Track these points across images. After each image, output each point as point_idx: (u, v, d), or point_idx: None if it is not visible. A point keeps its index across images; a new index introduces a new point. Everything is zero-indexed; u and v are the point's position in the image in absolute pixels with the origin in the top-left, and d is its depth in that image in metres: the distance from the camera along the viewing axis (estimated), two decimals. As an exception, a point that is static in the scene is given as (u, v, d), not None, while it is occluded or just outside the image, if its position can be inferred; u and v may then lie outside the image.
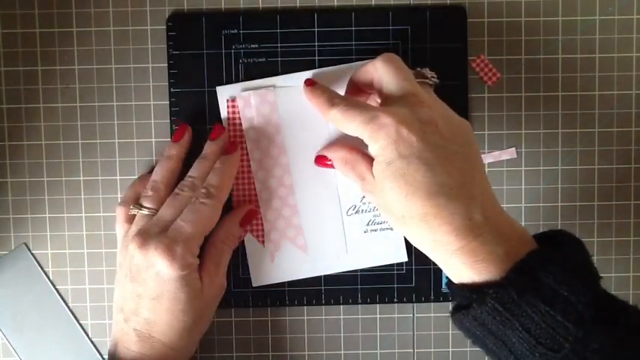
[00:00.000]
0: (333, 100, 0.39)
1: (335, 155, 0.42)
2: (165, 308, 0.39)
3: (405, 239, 0.46)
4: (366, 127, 0.36)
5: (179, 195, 0.42)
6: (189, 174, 0.43)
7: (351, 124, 0.37)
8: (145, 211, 0.42)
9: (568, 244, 0.34)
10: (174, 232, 0.40)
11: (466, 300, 0.34)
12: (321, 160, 0.44)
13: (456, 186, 0.34)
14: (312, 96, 0.40)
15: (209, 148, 0.44)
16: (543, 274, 0.32)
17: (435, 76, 0.41)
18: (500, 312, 0.32)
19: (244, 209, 0.45)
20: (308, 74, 0.45)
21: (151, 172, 0.45)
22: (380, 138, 0.35)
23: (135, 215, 0.43)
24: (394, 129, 0.35)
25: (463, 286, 0.35)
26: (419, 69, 0.41)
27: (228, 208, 0.45)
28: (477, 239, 0.33)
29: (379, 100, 0.39)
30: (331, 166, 0.43)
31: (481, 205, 0.34)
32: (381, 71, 0.38)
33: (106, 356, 0.47)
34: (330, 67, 0.45)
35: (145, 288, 0.39)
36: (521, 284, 0.32)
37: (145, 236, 0.40)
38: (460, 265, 0.34)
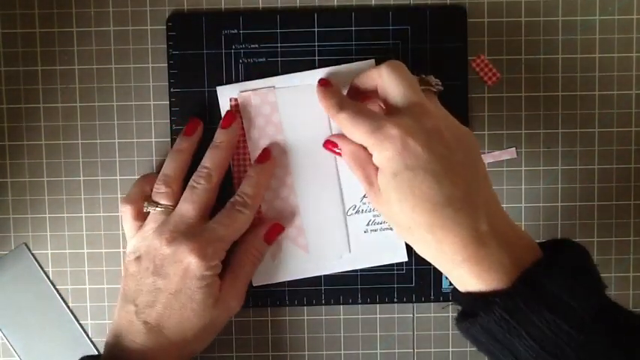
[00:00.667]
0: (342, 104, 0.39)
1: (347, 148, 0.41)
2: (180, 305, 0.40)
3: (405, 239, 0.46)
4: (371, 136, 0.36)
5: (197, 188, 0.42)
6: (202, 164, 0.43)
7: (358, 131, 0.37)
8: (161, 209, 0.42)
9: (573, 253, 0.35)
10: (208, 233, 0.41)
11: (472, 308, 0.34)
12: (329, 144, 0.43)
13: (462, 196, 0.34)
14: (323, 97, 0.40)
15: (221, 137, 0.44)
16: (549, 283, 0.32)
17: (440, 83, 0.41)
18: (507, 321, 0.32)
19: (269, 224, 0.45)
20: (308, 74, 0.45)
21: (153, 173, 0.45)
22: (386, 148, 0.35)
23: (148, 212, 0.43)
24: (400, 140, 0.35)
25: (469, 295, 0.35)
26: (423, 76, 0.41)
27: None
28: (483, 249, 0.34)
29: (383, 105, 0.39)
30: (338, 153, 0.42)
31: (486, 215, 0.34)
32: (386, 79, 0.38)
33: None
34: (340, 66, 0.45)
35: (166, 282, 0.40)
36: (527, 294, 0.32)
37: (172, 233, 0.40)
38: (466, 274, 0.34)
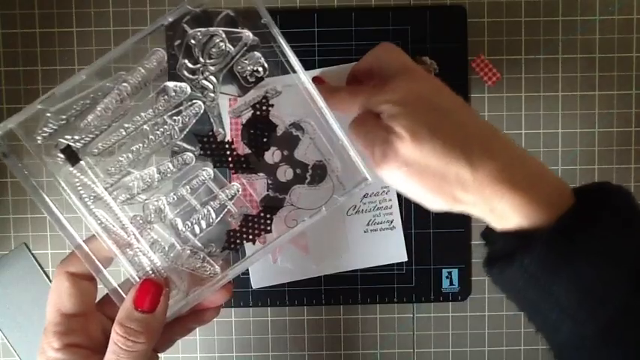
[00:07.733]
0: (337, 87, 0.39)
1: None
2: None
3: (405, 239, 0.46)
4: (373, 95, 0.35)
5: None
6: None
7: (357, 98, 0.37)
8: None
9: (618, 196, 0.32)
10: None
11: (511, 247, 0.31)
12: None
13: (488, 130, 0.33)
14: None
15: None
16: (597, 224, 0.30)
17: (435, 63, 0.41)
18: (552, 259, 0.29)
19: (137, 284, 0.33)
20: (308, 74, 0.45)
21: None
22: (394, 92, 0.34)
23: None
24: (406, 87, 0.34)
25: (506, 234, 0.32)
26: (418, 57, 0.41)
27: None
28: (525, 175, 0.31)
29: None
30: None
31: (520, 155, 0.33)
32: (382, 57, 0.38)
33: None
34: (334, 67, 0.45)
35: None
36: (574, 232, 0.30)
37: None
38: (507, 206, 0.31)
